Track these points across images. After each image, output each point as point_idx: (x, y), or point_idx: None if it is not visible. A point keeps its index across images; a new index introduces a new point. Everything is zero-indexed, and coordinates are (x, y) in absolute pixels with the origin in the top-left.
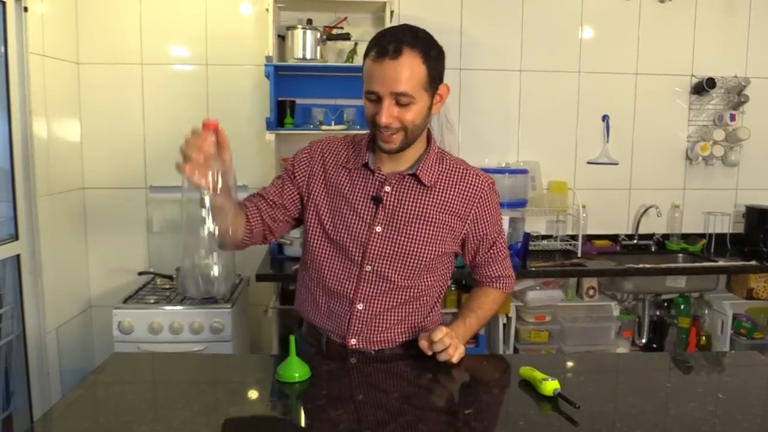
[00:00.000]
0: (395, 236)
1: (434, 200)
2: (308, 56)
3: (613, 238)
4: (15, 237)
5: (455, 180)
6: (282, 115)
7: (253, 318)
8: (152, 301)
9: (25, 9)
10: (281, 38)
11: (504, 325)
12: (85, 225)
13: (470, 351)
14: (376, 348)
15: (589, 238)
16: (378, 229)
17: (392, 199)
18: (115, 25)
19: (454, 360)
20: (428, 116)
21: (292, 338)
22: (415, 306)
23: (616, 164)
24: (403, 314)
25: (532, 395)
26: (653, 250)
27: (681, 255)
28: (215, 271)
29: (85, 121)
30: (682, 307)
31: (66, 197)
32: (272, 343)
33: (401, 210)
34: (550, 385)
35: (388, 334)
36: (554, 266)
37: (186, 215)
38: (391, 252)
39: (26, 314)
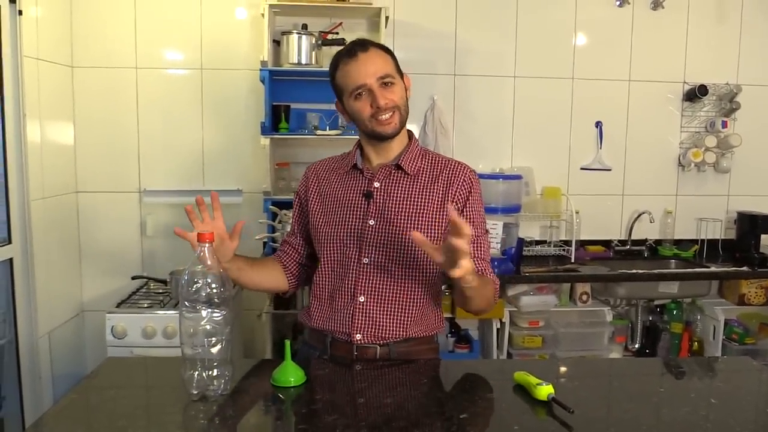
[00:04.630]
0: (388, 227)
1: (419, 187)
2: (303, 61)
3: (606, 243)
4: (8, 241)
5: (438, 169)
6: (277, 119)
7: (246, 323)
8: (146, 305)
9: (20, 12)
10: (276, 43)
11: (497, 330)
12: (79, 229)
13: (464, 356)
14: (382, 342)
15: (583, 244)
16: (371, 222)
17: (382, 193)
18: (110, 28)
19: (457, 271)
20: (407, 101)
21: (287, 343)
22: (419, 297)
23: (609, 170)
24: (407, 305)
25: (527, 400)
26: (646, 255)
27: (673, 261)
28: (215, 372)
29: (78, 125)
30: (674, 312)
31: (59, 201)
32: (266, 347)
33: (391, 202)
34: (545, 390)
35: (394, 327)
36: (548, 271)
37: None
38: (386, 243)
39: (18, 318)
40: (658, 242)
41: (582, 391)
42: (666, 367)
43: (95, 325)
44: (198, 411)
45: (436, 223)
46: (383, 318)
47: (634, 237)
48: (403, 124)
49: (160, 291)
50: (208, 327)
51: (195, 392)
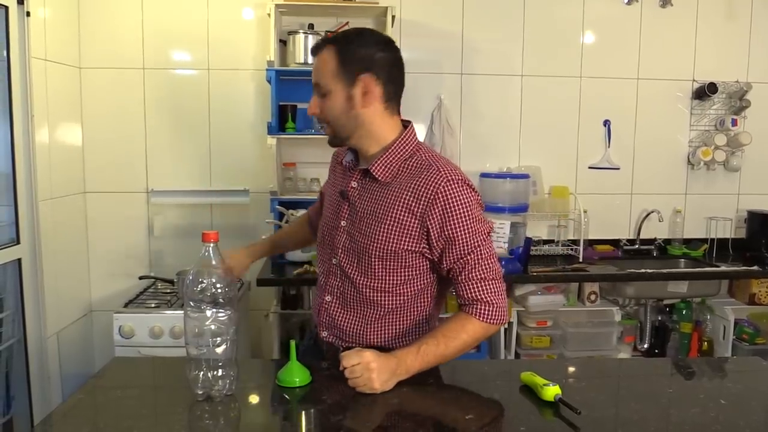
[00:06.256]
0: (353, 231)
1: (387, 196)
2: (310, 61)
3: (615, 242)
4: (16, 241)
5: (413, 175)
6: (283, 119)
7: (253, 323)
8: (153, 305)
9: (28, 14)
10: (283, 43)
11: (505, 330)
12: (87, 229)
13: (471, 357)
14: (345, 345)
15: (591, 243)
16: (343, 223)
17: (356, 195)
18: (117, 29)
19: (360, 390)
20: (349, 110)
21: (292, 343)
22: (380, 307)
23: (618, 169)
24: (368, 313)
25: (533, 401)
26: (655, 255)
27: (683, 260)
28: (220, 372)
29: (86, 126)
30: (684, 312)
31: (67, 201)
32: (273, 348)
33: (361, 205)
34: (551, 391)
35: (353, 333)
36: (556, 271)
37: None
38: (351, 246)
39: (27, 318)
40: (667, 241)
41: (590, 391)
42: (675, 367)
43: (103, 325)
44: (203, 411)
45: (394, 238)
46: (343, 321)
47: (642, 236)
48: (340, 136)
49: (168, 291)
50: (213, 327)
51: (200, 392)
